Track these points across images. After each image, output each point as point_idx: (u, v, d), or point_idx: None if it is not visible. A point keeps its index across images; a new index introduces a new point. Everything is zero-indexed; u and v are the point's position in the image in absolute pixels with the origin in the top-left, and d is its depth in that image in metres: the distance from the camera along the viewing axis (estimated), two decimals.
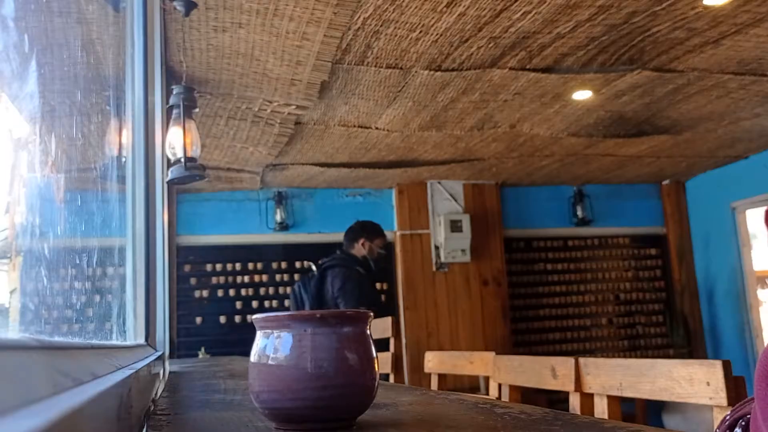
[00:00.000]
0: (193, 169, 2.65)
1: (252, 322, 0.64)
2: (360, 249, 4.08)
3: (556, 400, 4.91)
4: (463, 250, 5.57)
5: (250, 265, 5.39)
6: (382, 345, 2.88)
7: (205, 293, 5.29)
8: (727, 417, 1.02)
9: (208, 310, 5.26)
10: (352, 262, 4.01)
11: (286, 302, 5.37)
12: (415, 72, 3.34)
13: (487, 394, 2.95)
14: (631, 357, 5.60)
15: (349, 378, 0.59)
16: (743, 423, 0.97)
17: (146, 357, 0.98)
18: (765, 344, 5.69)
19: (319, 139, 4.39)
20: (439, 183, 5.74)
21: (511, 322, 5.68)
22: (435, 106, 3.85)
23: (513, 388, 2.24)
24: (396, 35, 2.94)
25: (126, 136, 1.73)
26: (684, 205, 6.24)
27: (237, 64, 3.14)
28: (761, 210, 5.68)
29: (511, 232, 5.94)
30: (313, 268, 4.11)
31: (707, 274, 5.99)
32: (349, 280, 3.91)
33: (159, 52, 2.54)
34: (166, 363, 1.97)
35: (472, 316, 5.53)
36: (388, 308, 3.93)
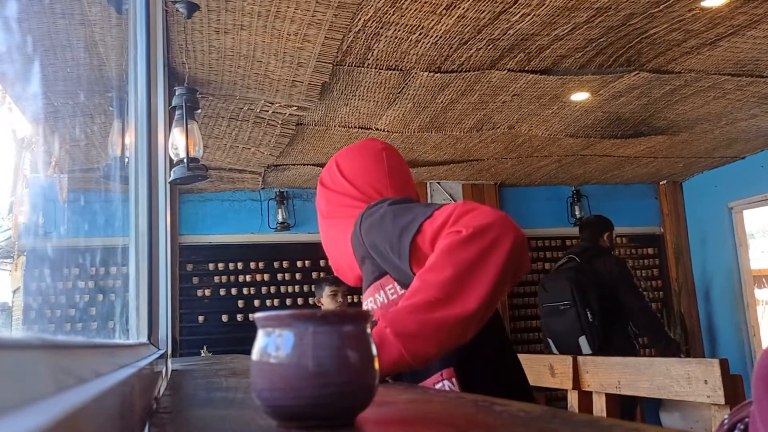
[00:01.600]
0: (195, 169, 2.67)
1: (254, 321, 0.65)
2: (605, 241, 4.31)
3: (555, 398, 4.93)
4: None
5: (252, 265, 5.41)
6: None
7: (207, 292, 5.30)
8: (725, 420, 1.04)
9: (210, 308, 5.27)
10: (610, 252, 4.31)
11: (288, 301, 5.38)
12: (415, 73, 3.35)
13: None
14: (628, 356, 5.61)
15: (350, 376, 0.60)
16: (741, 426, 0.99)
17: (149, 355, 0.99)
18: (761, 343, 5.66)
19: (320, 140, 4.40)
20: (439, 183, 5.75)
21: (509, 320, 5.70)
22: (434, 107, 3.86)
23: None
24: (396, 37, 2.96)
25: (129, 137, 1.74)
26: (681, 205, 6.25)
27: (239, 66, 3.15)
28: (758, 210, 5.70)
29: None
30: (562, 260, 4.35)
31: (704, 274, 6.00)
32: (625, 268, 4.15)
33: (162, 53, 2.56)
34: (169, 361, 1.98)
35: None
36: None
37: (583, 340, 3.94)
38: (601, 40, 3.08)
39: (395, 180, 1.44)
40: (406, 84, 3.49)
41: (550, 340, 4.22)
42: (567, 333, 4.00)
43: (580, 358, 2.08)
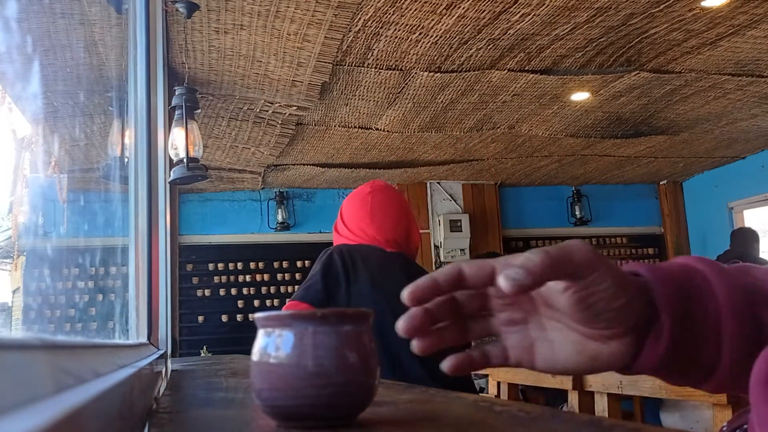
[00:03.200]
0: (195, 169, 2.67)
1: (253, 321, 0.65)
2: (756, 249, 4.75)
3: (554, 398, 4.92)
4: (462, 250, 5.58)
5: (252, 265, 5.41)
6: None
7: (207, 292, 5.30)
8: (724, 427, 1.04)
9: (209, 308, 5.27)
10: None
11: (288, 301, 5.38)
12: (415, 73, 3.35)
13: (486, 392, 2.96)
14: None
15: (350, 376, 0.59)
16: None
17: (148, 355, 0.99)
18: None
19: (320, 140, 4.40)
20: (439, 183, 5.75)
21: None
22: (434, 107, 3.86)
23: (512, 386, 2.26)
24: (396, 37, 2.96)
25: (129, 137, 1.74)
26: (681, 205, 6.25)
27: (239, 66, 3.15)
28: (758, 210, 5.70)
29: (509, 231, 5.96)
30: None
31: None
32: None
33: (161, 53, 2.55)
34: (168, 361, 1.98)
35: None
36: None
37: None
38: (602, 39, 3.08)
39: (376, 218, 1.90)
40: (406, 84, 3.49)
41: None
42: None
43: None
